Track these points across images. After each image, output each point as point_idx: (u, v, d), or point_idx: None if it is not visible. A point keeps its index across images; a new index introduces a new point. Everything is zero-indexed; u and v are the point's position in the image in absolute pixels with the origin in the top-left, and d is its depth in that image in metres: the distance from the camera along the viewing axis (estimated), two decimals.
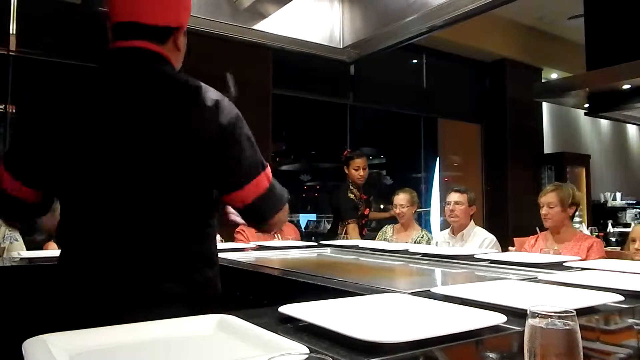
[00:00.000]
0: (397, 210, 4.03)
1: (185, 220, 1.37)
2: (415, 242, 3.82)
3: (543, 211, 3.17)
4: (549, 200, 3.14)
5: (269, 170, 1.42)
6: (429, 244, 3.84)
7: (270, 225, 1.48)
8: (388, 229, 4.18)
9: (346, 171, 4.50)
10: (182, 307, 1.28)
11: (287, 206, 1.48)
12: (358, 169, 4.44)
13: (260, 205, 1.40)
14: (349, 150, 4.71)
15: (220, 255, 2.40)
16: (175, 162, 1.31)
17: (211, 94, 1.37)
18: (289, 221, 4.27)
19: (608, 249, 4.20)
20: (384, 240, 4.02)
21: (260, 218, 1.45)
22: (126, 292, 1.30)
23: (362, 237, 4.36)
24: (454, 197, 3.67)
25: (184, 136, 1.31)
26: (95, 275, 1.33)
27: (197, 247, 1.41)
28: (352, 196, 4.40)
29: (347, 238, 4.08)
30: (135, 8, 1.36)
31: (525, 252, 3.18)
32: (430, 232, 4.78)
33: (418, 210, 4.62)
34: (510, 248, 3.41)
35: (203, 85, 1.39)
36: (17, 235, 3.02)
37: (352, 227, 4.29)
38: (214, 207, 1.46)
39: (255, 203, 1.38)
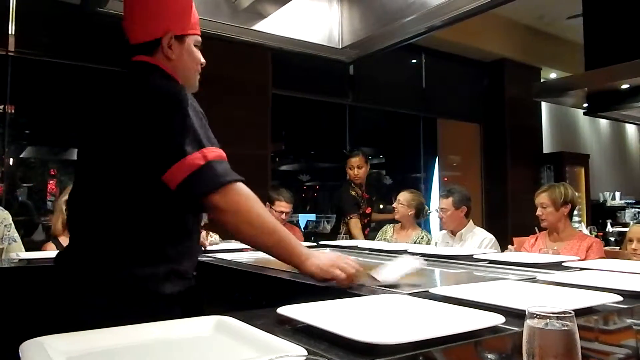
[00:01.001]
0: (394, 204, 4.04)
1: (113, 212, 1.40)
2: (415, 243, 3.82)
3: (538, 212, 3.21)
4: (541, 201, 3.19)
5: (200, 152, 1.34)
6: (429, 244, 3.84)
7: (212, 208, 1.36)
8: (388, 229, 4.18)
9: (346, 170, 4.56)
10: (106, 301, 1.34)
11: (234, 189, 1.36)
12: (353, 168, 4.48)
13: (189, 185, 1.32)
14: (346, 151, 4.75)
15: (219, 255, 2.42)
16: (110, 148, 1.41)
17: (160, 83, 1.45)
18: (289, 221, 4.27)
19: (607, 248, 4.19)
20: (384, 240, 4.02)
21: (192, 198, 1.35)
22: (65, 282, 1.41)
23: (365, 236, 4.37)
24: (439, 203, 3.67)
25: (119, 120, 1.42)
26: (58, 268, 1.47)
27: (130, 240, 1.39)
28: (353, 193, 4.42)
29: (347, 236, 4.08)
30: (128, 34, 1.57)
31: (525, 251, 3.18)
32: (430, 232, 4.78)
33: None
34: (509, 247, 3.41)
35: (162, 80, 1.48)
36: (16, 236, 3.01)
37: (354, 222, 4.30)
38: (151, 200, 1.40)
39: (185, 182, 1.31)
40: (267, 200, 4.01)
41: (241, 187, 1.39)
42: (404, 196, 4.01)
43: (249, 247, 2.16)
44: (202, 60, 1.66)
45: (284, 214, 3.88)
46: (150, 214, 1.41)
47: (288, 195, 3.92)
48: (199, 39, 1.64)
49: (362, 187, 4.53)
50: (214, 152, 1.36)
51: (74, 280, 1.39)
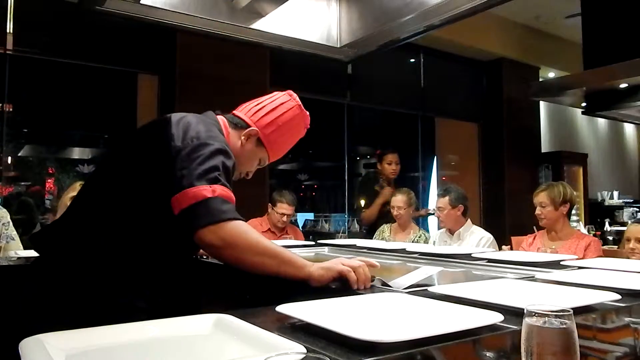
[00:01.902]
0: (395, 212, 4.02)
1: (109, 217, 1.47)
2: (412, 242, 3.82)
3: (537, 211, 3.20)
4: (540, 200, 3.18)
5: (211, 187, 1.37)
6: (427, 243, 3.84)
7: (202, 240, 1.37)
8: (385, 229, 4.18)
9: (379, 167, 4.82)
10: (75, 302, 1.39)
11: (229, 225, 1.36)
12: (391, 163, 4.76)
13: (189, 213, 1.35)
14: (380, 150, 5.00)
15: None
16: (141, 159, 1.49)
17: (191, 124, 1.50)
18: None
19: (605, 247, 4.20)
20: (382, 240, 4.02)
21: (189, 228, 1.37)
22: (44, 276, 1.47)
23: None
24: (436, 203, 3.67)
25: (161, 136, 1.49)
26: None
27: (113, 247, 1.44)
28: (377, 188, 4.57)
29: (345, 235, 4.09)
30: (240, 104, 1.80)
31: (523, 250, 3.19)
32: (428, 231, 4.80)
33: (420, 216, 4.78)
34: (503, 247, 3.40)
35: (193, 121, 1.53)
36: (14, 234, 3.01)
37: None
38: (153, 220, 1.46)
39: (187, 210, 1.35)
40: (269, 201, 4.00)
41: (238, 223, 1.39)
42: (401, 199, 4.00)
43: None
44: (250, 174, 1.82)
45: (285, 216, 3.85)
46: (145, 232, 1.46)
47: (290, 198, 3.90)
48: (267, 162, 1.82)
49: (392, 184, 4.75)
50: (224, 191, 1.38)
51: (50, 275, 1.43)
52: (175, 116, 1.53)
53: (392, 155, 4.83)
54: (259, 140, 1.72)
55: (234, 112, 1.76)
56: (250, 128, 1.70)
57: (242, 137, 1.69)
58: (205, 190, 1.35)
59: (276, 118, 1.73)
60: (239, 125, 1.71)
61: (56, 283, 1.41)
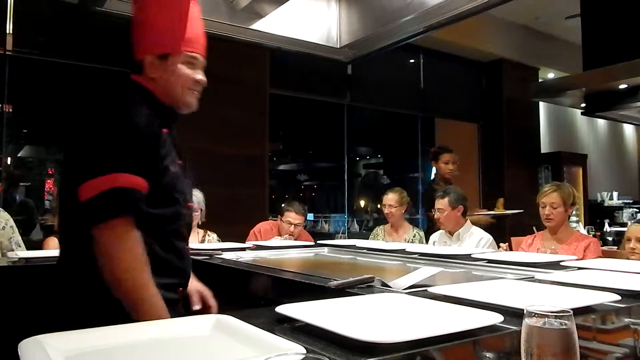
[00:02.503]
0: (386, 210, 4.01)
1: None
2: (408, 242, 3.81)
3: (546, 211, 3.10)
4: (551, 200, 3.08)
5: (108, 177, 1.34)
6: (422, 242, 3.83)
7: (98, 233, 1.33)
8: (379, 231, 4.16)
9: (435, 166, 4.86)
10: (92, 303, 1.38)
11: (114, 229, 1.32)
12: (447, 163, 4.76)
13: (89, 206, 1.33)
14: (435, 148, 4.99)
15: (218, 255, 2.41)
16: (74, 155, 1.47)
17: (117, 100, 1.48)
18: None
19: (604, 248, 4.19)
20: None
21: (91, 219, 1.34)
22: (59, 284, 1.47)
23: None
24: (436, 204, 3.64)
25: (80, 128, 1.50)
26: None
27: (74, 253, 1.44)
28: (435, 186, 4.52)
29: (344, 236, 4.07)
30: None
31: (523, 251, 3.18)
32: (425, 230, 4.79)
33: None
34: (501, 245, 3.38)
35: (123, 97, 1.51)
36: (20, 240, 3.00)
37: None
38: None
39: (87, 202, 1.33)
40: (278, 212, 3.96)
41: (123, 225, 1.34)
42: (392, 198, 3.97)
43: (248, 245, 2.12)
44: (198, 77, 1.61)
45: (293, 225, 3.79)
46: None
47: (299, 208, 3.82)
48: (195, 56, 1.61)
49: (449, 183, 4.68)
50: (125, 179, 1.34)
51: (66, 282, 1.43)
52: (101, 98, 1.50)
53: (449, 155, 4.83)
54: (159, 57, 1.56)
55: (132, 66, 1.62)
56: (146, 60, 1.55)
57: (150, 74, 1.55)
58: (100, 182, 1.32)
59: (146, 29, 1.57)
60: (141, 67, 1.57)
61: (67, 286, 1.41)
